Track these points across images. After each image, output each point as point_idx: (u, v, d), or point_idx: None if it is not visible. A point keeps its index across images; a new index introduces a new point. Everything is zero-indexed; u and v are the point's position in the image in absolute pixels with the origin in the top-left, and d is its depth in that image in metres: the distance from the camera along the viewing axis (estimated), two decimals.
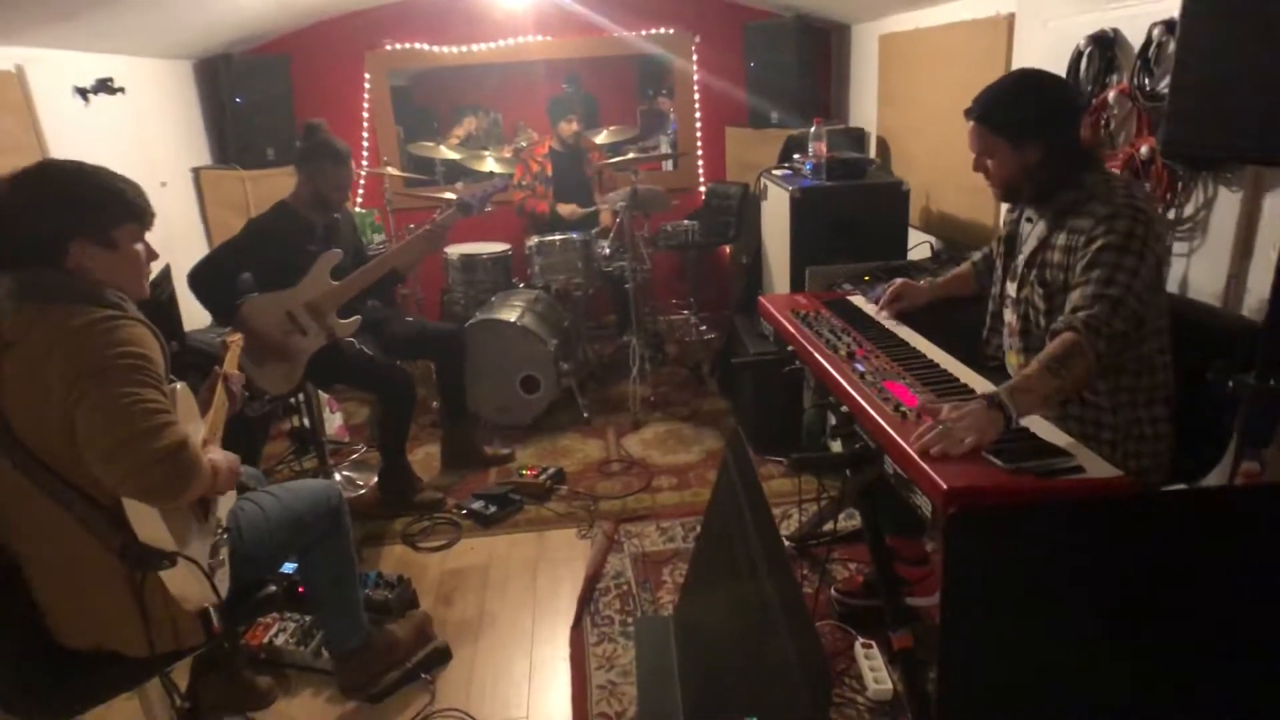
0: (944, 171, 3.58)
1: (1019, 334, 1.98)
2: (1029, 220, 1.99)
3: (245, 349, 2.92)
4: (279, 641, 2.34)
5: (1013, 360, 2.05)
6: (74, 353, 1.43)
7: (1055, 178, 1.85)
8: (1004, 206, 2.22)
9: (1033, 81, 1.91)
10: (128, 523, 1.47)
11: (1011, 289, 2.02)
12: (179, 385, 1.59)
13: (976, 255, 2.41)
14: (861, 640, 2.24)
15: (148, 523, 1.47)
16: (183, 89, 4.35)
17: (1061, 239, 1.83)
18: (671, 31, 4.95)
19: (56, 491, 1.47)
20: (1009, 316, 2.04)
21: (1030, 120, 1.84)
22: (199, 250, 4.13)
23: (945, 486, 1.42)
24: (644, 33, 4.92)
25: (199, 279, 2.89)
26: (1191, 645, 1.26)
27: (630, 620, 2.47)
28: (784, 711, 1.07)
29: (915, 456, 1.52)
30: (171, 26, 3.75)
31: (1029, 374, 1.65)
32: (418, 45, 4.87)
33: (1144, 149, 2.24)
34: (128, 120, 3.67)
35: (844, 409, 1.91)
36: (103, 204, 1.59)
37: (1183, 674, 1.27)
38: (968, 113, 1.92)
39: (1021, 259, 1.97)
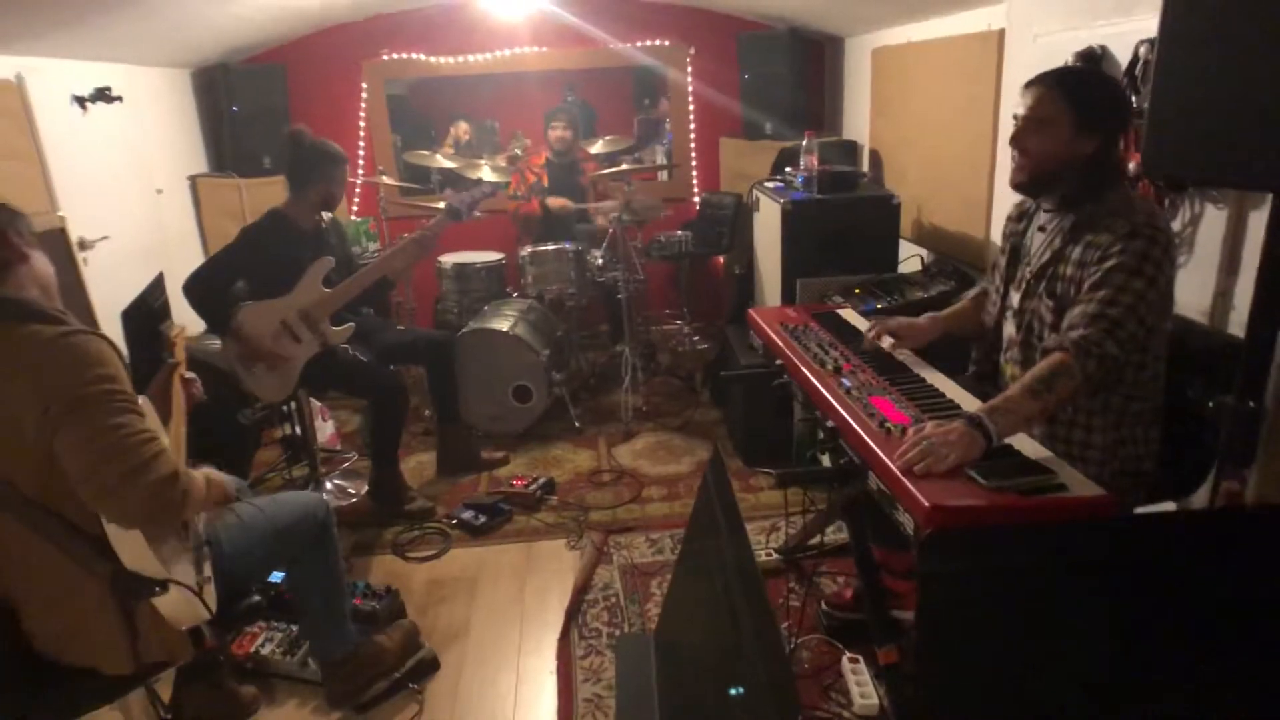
0: (936, 184, 3.60)
1: (1019, 345, 1.94)
2: (1040, 230, 1.93)
3: (240, 357, 2.95)
4: (265, 651, 2.34)
5: (1009, 372, 2.01)
6: (39, 379, 1.40)
7: (1094, 180, 1.77)
8: (1003, 219, 2.17)
9: (1107, 76, 1.87)
10: (114, 551, 1.46)
11: (1015, 299, 1.97)
12: (141, 399, 1.58)
13: (973, 290, 2.29)
14: (849, 655, 2.24)
15: (132, 548, 1.46)
16: (180, 98, 4.37)
17: (1076, 253, 1.77)
18: (667, 43, 4.98)
19: (35, 520, 1.45)
20: (1009, 328, 2.00)
21: (1102, 108, 1.76)
22: (195, 257, 4.14)
23: (927, 504, 1.43)
24: (639, 44, 4.94)
25: (193, 289, 2.90)
26: (1172, 666, 1.27)
27: (618, 633, 2.47)
28: None
29: (898, 473, 1.53)
30: (170, 36, 3.77)
31: (1011, 395, 1.64)
32: (415, 55, 4.89)
33: (1131, 165, 2.26)
34: (125, 128, 3.69)
35: (830, 424, 1.92)
36: (4, 206, 1.57)
37: (1163, 695, 1.27)
38: (1047, 76, 1.79)
39: (1029, 270, 1.91)
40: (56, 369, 1.41)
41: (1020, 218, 2.05)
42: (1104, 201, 1.77)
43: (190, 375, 1.89)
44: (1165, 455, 1.87)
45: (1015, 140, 1.83)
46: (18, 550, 1.48)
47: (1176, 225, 2.22)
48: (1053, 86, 1.77)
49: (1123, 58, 2.32)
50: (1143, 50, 2.21)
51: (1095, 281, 1.69)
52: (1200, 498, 1.92)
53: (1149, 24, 2.20)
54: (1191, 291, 2.19)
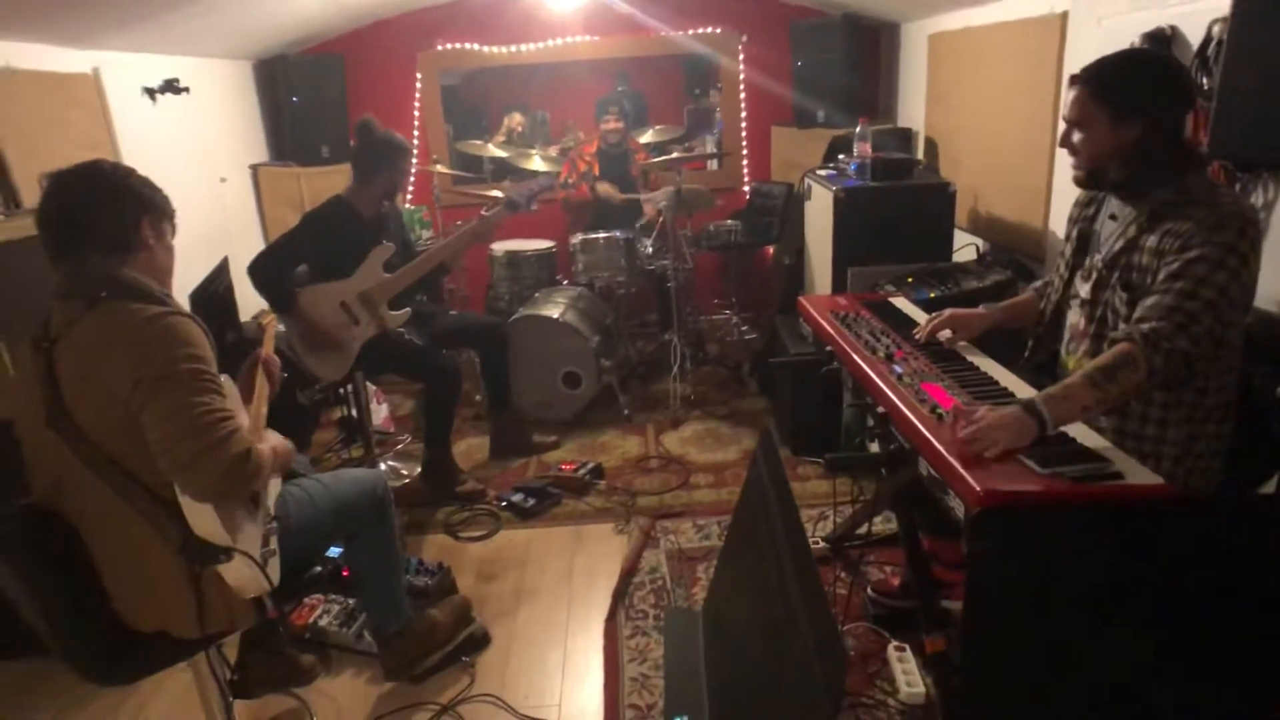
0: (993, 172, 3.54)
1: (1089, 337, 1.86)
2: (1113, 217, 1.86)
3: (301, 337, 3.04)
4: (323, 623, 2.42)
5: (1071, 364, 1.94)
6: (134, 354, 1.49)
7: (1152, 166, 1.71)
8: (1062, 208, 2.11)
9: (1151, 57, 1.81)
10: (185, 518, 1.53)
11: (1084, 289, 1.90)
12: (223, 377, 1.65)
13: (1038, 283, 2.22)
14: (895, 643, 2.23)
15: (202, 518, 1.52)
16: (242, 88, 4.50)
17: (1153, 241, 1.68)
18: (718, 31, 4.96)
19: (119, 484, 1.53)
20: (1074, 318, 1.94)
21: (1140, 94, 1.70)
22: (255, 243, 4.28)
23: (979, 489, 1.42)
24: (691, 32, 4.93)
25: (258, 270, 2.99)
26: (1225, 654, 1.24)
27: (663, 615, 2.49)
28: (800, 704, 1.08)
29: (949, 458, 1.52)
30: (233, 28, 3.88)
31: (1070, 383, 1.60)
32: (469, 45, 4.95)
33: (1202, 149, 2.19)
34: (191, 119, 3.82)
35: (880, 410, 1.91)
36: (156, 198, 1.69)
37: (1215, 682, 1.25)
38: (1075, 77, 1.78)
39: (1100, 259, 1.83)
40: (151, 345, 1.50)
41: (1090, 203, 1.97)
42: (1185, 188, 1.69)
43: (272, 356, 1.96)
44: (1233, 446, 1.80)
45: (1061, 143, 1.83)
46: (102, 511, 1.56)
47: None
48: (1082, 85, 1.76)
49: (1194, 38, 2.24)
50: (1216, 29, 2.13)
51: (1173, 272, 1.61)
52: (1269, 490, 1.86)
53: (1222, 2, 2.12)
54: (1265, 280, 2.10)
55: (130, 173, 1.67)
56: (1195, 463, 1.73)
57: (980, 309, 2.20)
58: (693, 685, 1.80)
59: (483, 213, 3.32)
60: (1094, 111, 1.73)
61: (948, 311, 2.20)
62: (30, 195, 2.68)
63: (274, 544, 1.72)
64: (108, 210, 1.60)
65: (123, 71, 3.33)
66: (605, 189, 4.57)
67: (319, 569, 1.95)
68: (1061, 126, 1.84)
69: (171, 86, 3.59)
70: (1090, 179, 1.83)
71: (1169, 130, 1.72)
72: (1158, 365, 1.56)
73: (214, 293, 3.04)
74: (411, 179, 5.03)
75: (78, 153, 2.95)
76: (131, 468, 1.53)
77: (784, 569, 1.29)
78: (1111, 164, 1.76)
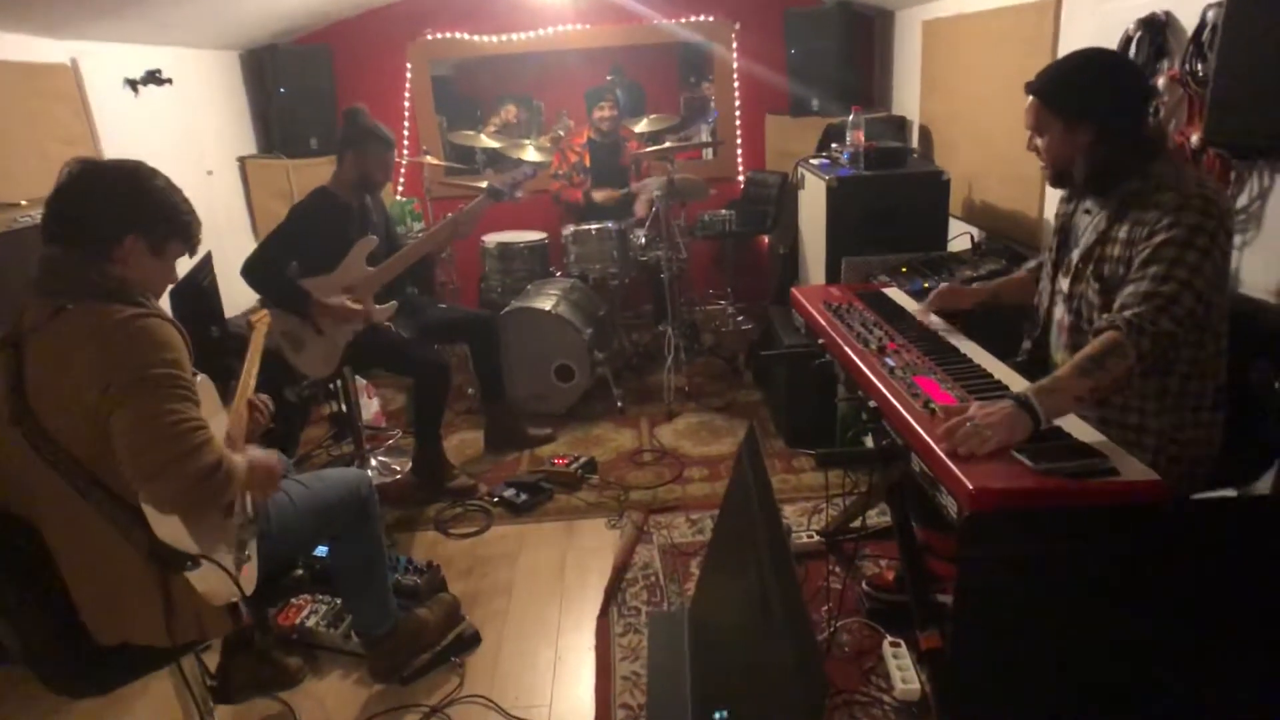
0: (987, 160, 3.49)
1: (1069, 331, 1.88)
2: (1087, 212, 1.89)
3: (285, 333, 3.00)
4: (310, 623, 2.38)
5: (1059, 359, 1.95)
6: (105, 355, 1.44)
7: (1112, 164, 1.76)
8: (1056, 196, 2.13)
9: (1099, 60, 1.82)
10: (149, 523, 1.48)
11: (1064, 284, 1.92)
12: (200, 378, 1.60)
13: (1032, 263, 2.27)
14: (890, 639, 2.21)
15: (166, 522, 1.48)
16: (229, 79, 4.44)
17: (1123, 231, 1.72)
18: (711, 19, 4.90)
19: (84, 488, 1.48)
20: (1059, 313, 1.95)
21: (1088, 100, 1.74)
22: (244, 237, 4.23)
23: (971, 486, 1.38)
24: (683, 20, 4.87)
25: (254, 274, 2.95)
26: (1220, 656, 1.21)
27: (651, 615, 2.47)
28: (781, 712, 1.06)
29: (941, 454, 1.49)
30: (218, 18, 3.82)
31: (1060, 374, 1.59)
32: (458, 34, 4.89)
33: (1194, 137, 2.15)
34: (176, 111, 3.76)
35: (872, 404, 1.88)
36: (169, 216, 1.61)
37: (1210, 685, 1.22)
38: (1028, 87, 1.83)
39: (1077, 253, 1.87)
40: (123, 348, 1.45)
41: (1069, 198, 2.01)
42: (1150, 176, 1.72)
43: (263, 398, 1.89)
44: (1228, 440, 1.78)
45: (1028, 148, 1.89)
46: (67, 515, 1.52)
47: (1243, 199, 2.11)
48: (1033, 95, 1.82)
49: (1188, 23, 2.21)
50: (1210, 14, 2.10)
51: (1146, 258, 1.64)
52: (1265, 485, 1.84)
53: None
54: (1258, 269, 2.09)
55: (149, 186, 1.59)
56: (1180, 451, 1.73)
57: (974, 285, 2.28)
58: (676, 687, 1.77)
59: (466, 204, 3.28)
60: (1048, 120, 1.80)
61: (942, 286, 2.28)
62: (5, 190, 2.63)
63: (250, 549, 1.68)
64: (94, 213, 1.54)
65: (103, 62, 3.27)
66: (602, 195, 4.53)
67: (300, 571, 1.90)
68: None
69: (154, 78, 3.53)
70: (1058, 179, 1.89)
71: (1124, 129, 1.75)
72: (1145, 349, 1.57)
73: (198, 287, 2.99)
74: (403, 170, 4.99)
75: (56, 147, 2.91)
76: (98, 472, 1.49)
77: (765, 575, 1.26)
78: (1073, 164, 1.81)
